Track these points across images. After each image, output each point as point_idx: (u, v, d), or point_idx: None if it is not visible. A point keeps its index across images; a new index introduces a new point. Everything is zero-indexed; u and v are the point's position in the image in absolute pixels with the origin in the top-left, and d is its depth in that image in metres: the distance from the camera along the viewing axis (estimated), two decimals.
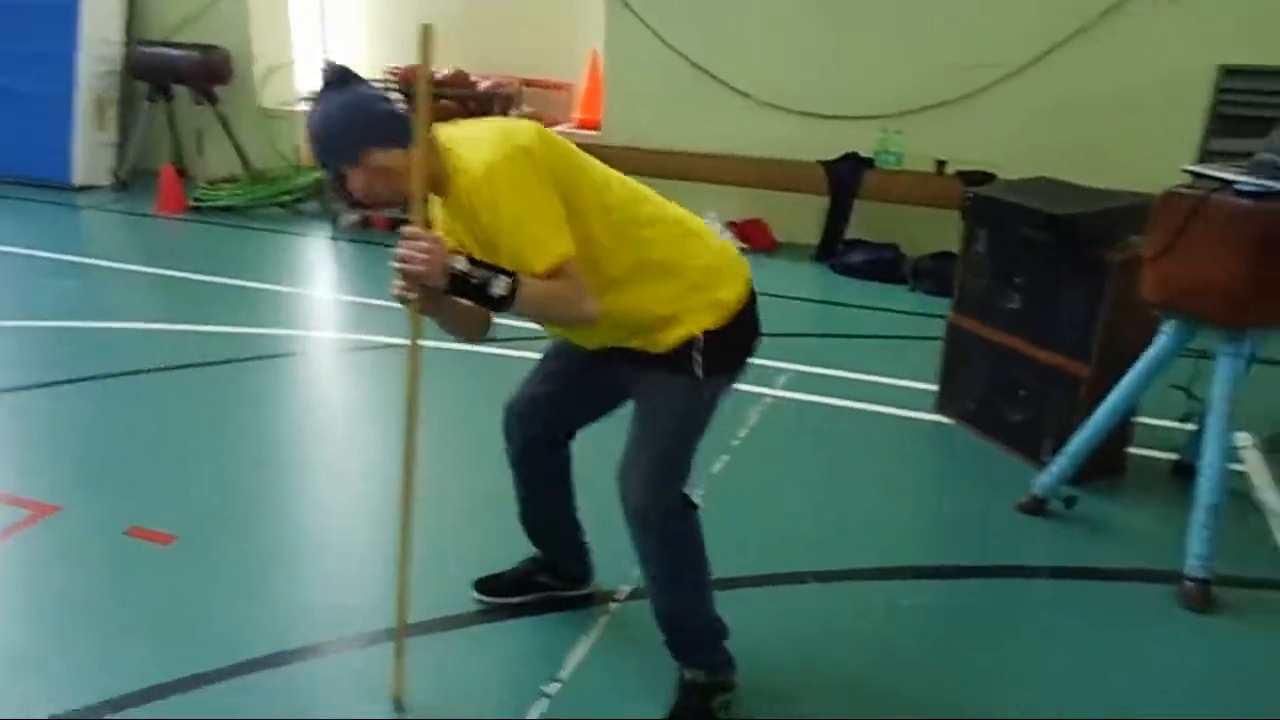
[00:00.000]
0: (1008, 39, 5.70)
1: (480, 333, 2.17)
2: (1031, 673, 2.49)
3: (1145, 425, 3.53)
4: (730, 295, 2.11)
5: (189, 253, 6.09)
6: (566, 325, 2.10)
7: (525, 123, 2.01)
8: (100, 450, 3.52)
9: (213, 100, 7.22)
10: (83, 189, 7.26)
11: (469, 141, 1.96)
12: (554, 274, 1.91)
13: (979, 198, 3.63)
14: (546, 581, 2.66)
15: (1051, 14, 5.59)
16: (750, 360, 2.20)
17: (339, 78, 2.01)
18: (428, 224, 1.96)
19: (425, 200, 1.98)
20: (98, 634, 2.54)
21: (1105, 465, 3.35)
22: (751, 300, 2.17)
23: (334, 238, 6.36)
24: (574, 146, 2.06)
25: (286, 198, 6.89)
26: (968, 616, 2.73)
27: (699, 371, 2.07)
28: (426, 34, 1.93)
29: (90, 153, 7.30)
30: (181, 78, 7.16)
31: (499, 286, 1.88)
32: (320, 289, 5.64)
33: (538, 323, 2.08)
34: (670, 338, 2.07)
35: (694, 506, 2.19)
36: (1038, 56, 5.67)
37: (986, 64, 5.77)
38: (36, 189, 7.24)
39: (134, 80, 7.40)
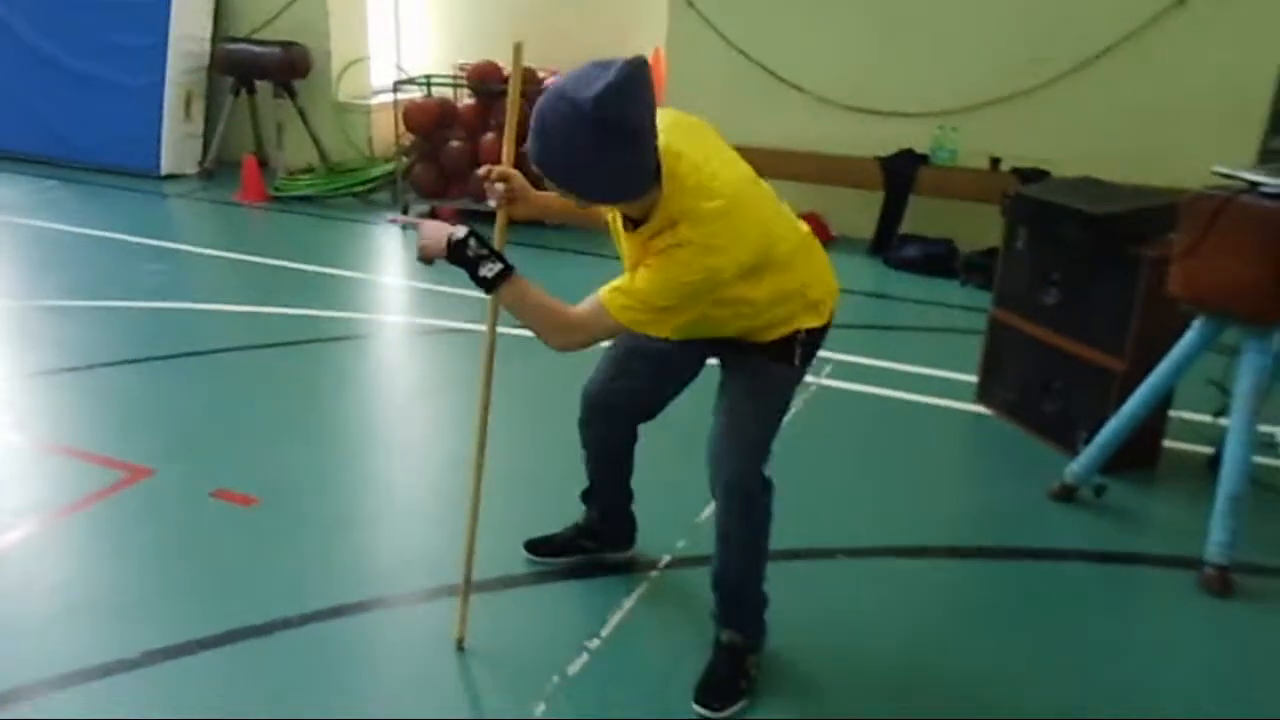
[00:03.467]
0: (1063, 37, 5.75)
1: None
2: (1051, 651, 2.62)
3: (1183, 420, 3.63)
4: (832, 304, 2.29)
5: (270, 239, 6.43)
6: (533, 332, 2.12)
7: (755, 199, 2.02)
8: (189, 421, 3.81)
9: (292, 94, 7.55)
10: (169, 178, 7.65)
11: (718, 215, 1.92)
12: (600, 312, 2.00)
13: (1019, 196, 3.75)
14: (588, 545, 2.87)
15: (1108, 12, 5.62)
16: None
17: (619, 128, 1.80)
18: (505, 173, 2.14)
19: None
20: (185, 583, 2.81)
21: (1138, 457, 3.45)
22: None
23: (404, 227, 6.64)
24: (769, 196, 2.12)
25: (361, 188, 7.21)
26: (993, 595, 2.87)
27: (798, 361, 2.25)
28: (518, 51, 2.06)
29: (177, 143, 7.70)
30: (264, 72, 7.51)
31: (487, 269, 2.04)
32: (391, 275, 5.91)
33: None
34: (776, 334, 2.22)
35: (771, 482, 2.35)
36: (1094, 55, 5.71)
37: (1041, 58, 5.82)
38: (126, 177, 7.64)
39: (219, 75, 7.78)
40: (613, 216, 2.18)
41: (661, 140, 1.92)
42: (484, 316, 2.34)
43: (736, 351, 2.29)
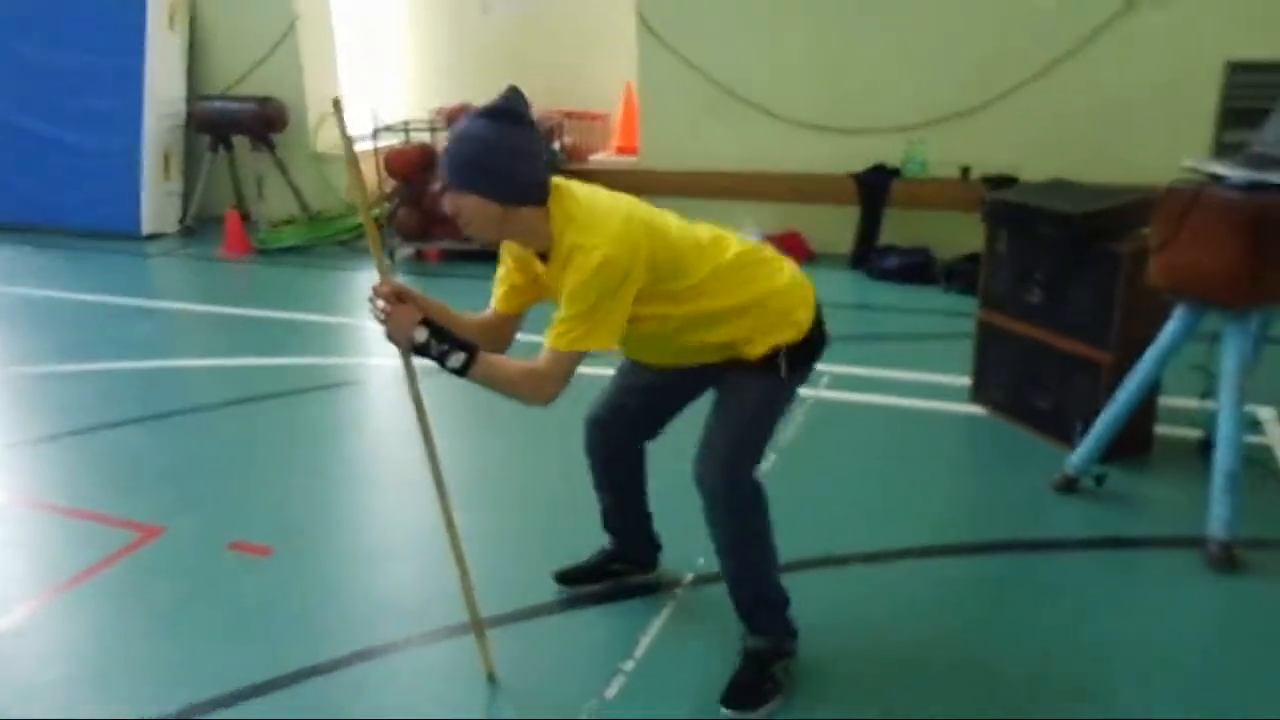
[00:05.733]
0: (1020, 47, 5.92)
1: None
2: (1068, 636, 2.70)
3: (1171, 406, 3.73)
4: (804, 316, 2.38)
5: (257, 292, 6.49)
6: (513, 399, 2.28)
7: (637, 213, 2.22)
8: (195, 476, 3.84)
9: (271, 147, 7.62)
10: (151, 238, 7.70)
11: (590, 219, 2.16)
12: (554, 354, 2.18)
13: (997, 201, 3.87)
14: (619, 569, 2.94)
15: (1060, 21, 5.80)
16: (818, 363, 2.47)
17: (504, 112, 2.15)
18: (396, 292, 2.25)
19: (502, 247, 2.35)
20: (214, 636, 2.84)
21: (1133, 444, 3.55)
22: (819, 315, 2.44)
23: (390, 271, 6.68)
24: (669, 220, 2.31)
25: (345, 235, 7.28)
26: (1006, 587, 2.95)
27: (783, 373, 2.35)
28: (337, 106, 2.22)
29: (157, 203, 7.75)
30: (241, 128, 7.58)
31: (454, 361, 2.19)
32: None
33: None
34: (757, 350, 2.33)
35: (761, 487, 2.43)
36: (1050, 64, 5.88)
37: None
38: (108, 239, 7.68)
39: (196, 132, 7.86)
40: (532, 266, 2.34)
41: (556, 181, 2.24)
42: None
43: (730, 371, 2.40)
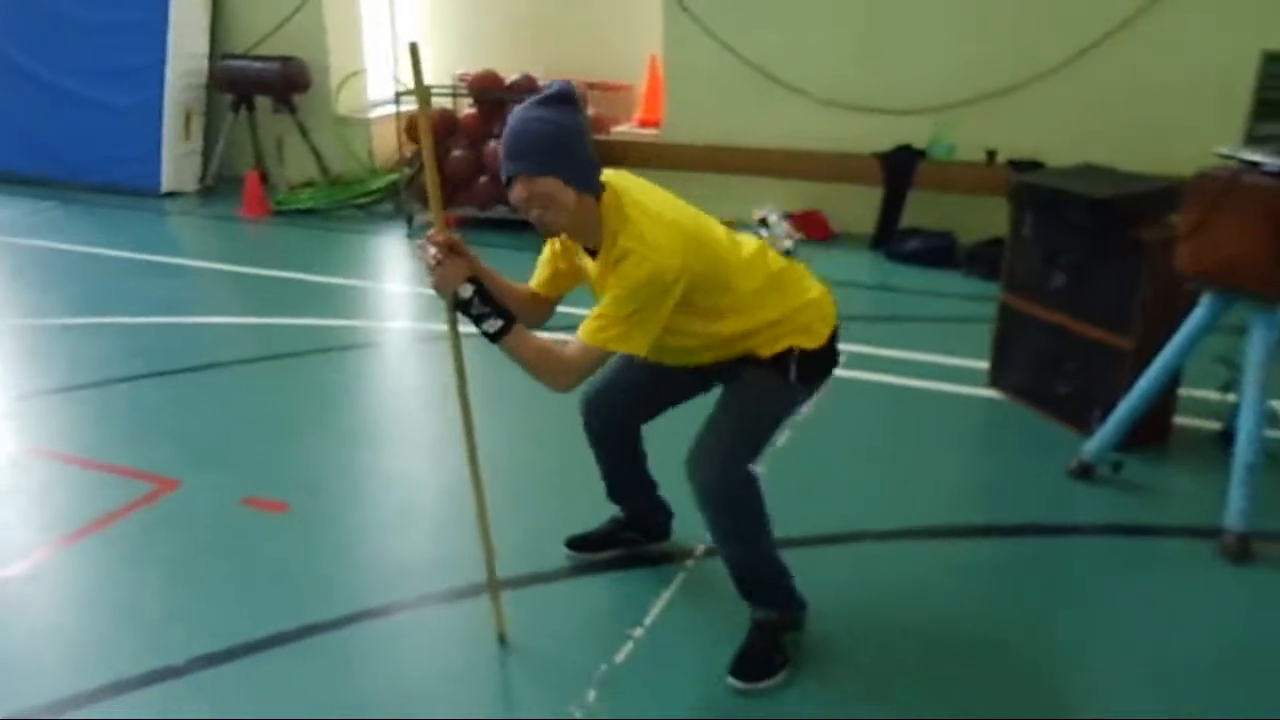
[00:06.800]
0: (1053, 31, 5.84)
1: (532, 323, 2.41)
2: (1077, 621, 2.69)
3: (1191, 397, 3.70)
4: (823, 330, 2.41)
5: (274, 253, 6.48)
6: (534, 378, 2.27)
7: (688, 222, 2.24)
8: (210, 432, 3.86)
9: (292, 109, 7.58)
10: (170, 196, 7.68)
11: (645, 225, 2.15)
12: (584, 348, 2.19)
13: (1023, 184, 3.83)
14: (630, 537, 2.94)
15: (1094, 5, 5.71)
16: (827, 379, 2.49)
17: (563, 98, 2.16)
18: (450, 244, 2.23)
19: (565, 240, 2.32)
20: (225, 590, 2.86)
21: (1151, 433, 3.52)
22: (836, 333, 2.46)
23: (410, 235, 6.70)
24: (717, 231, 2.33)
25: (364, 199, 7.27)
26: (1018, 571, 2.94)
27: (793, 376, 2.37)
28: (413, 51, 2.19)
29: (177, 161, 7.73)
30: (263, 88, 7.54)
31: (490, 325, 2.20)
32: (397, 283, 5.97)
33: None
34: (771, 349, 2.36)
35: (756, 481, 2.41)
36: (1082, 49, 5.80)
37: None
38: (126, 196, 7.67)
39: (218, 91, 7.82)
40: (579, 260, 2.36)
41: (606, 175, 2.25)
42: None
43: (740, 367, 2.41)
